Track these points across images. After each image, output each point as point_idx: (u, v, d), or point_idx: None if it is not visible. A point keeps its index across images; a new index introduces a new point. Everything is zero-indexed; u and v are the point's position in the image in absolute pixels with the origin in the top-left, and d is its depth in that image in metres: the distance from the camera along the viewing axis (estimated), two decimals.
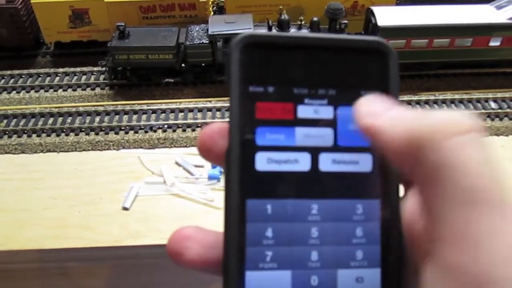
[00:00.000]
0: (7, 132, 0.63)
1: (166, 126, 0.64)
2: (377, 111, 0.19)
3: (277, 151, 0.20)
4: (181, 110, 0.66)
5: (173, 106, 0.67)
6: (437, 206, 0.16)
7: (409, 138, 0.17)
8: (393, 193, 0.21)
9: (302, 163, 0.20)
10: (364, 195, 0.21)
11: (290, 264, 0.20)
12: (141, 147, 0.62)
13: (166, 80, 0.71)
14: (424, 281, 0.16)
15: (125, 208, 0.54)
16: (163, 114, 0.66)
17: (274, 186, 0.20)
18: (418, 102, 0.68)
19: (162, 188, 0.57)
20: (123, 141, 0.62)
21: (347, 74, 0.21)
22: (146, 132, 0.63)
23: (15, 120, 0.65)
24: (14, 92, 0.71)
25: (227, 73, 0.20)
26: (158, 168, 0.59)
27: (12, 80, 0.72)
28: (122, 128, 0.64)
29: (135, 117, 0.66)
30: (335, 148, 0.21)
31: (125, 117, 0.65)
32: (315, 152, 0.20)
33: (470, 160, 0.16)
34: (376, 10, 0.69)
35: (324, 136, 0.21)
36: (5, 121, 0.65)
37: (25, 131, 0.63)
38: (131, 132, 0.63)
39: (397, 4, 0.75)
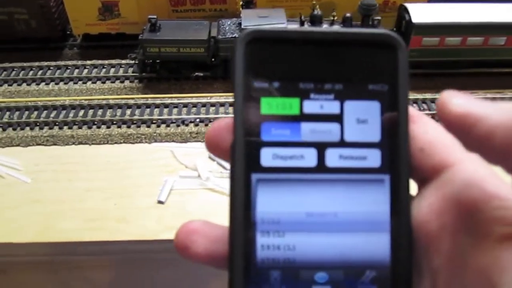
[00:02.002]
0: (38, 124, 0.63)
1: (198, 120, 0.63)
2: (470, 102, 0.18)
3: (282, 147, 0.20)
4: (212, 105, 0.66)
5: (204, 100, 0.66)
6: None
7: None
8: (403, 190, 0.20)
9: (308, 158, 0.20)
10: (372, 191, 0.20)
11: (296, 259, 0.20)
12: (173, 141, 0.62)
13: (196, 74, 0.70)
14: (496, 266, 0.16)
15: (160, 202, 0.54)
16: (194, 108, 0.66)
17: (280, 181, 0.20)
18: None
19: (196, 182, 0.56)
20: (155, 134, 0.62)
21: (354, 68, 0.21)
22: (178, 126, 0.63)
23: (45, 111, 0.65)
24: (43, 83, 0.70)
25: (232, 68, 0.20)
26: (192, 162, 0.59)
27: (40, 72, 0.72)
28: (154, 121, 0.63)
29: (166, 110, 0.65)
30: (342, 143, 0.20)
31: (156, 110, 0.65)
32: (321, 147, 0.20)
33: None
34: (410, 7, 0.68)
35: (331, 131, 0.20)
36: (35, 112, 0.65)
37: (56, 123, 0.63)
38: (163, 125, 0.63)
39: (429, 1, 0.74)
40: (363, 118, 0.21)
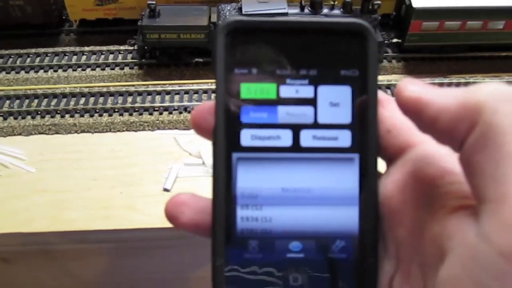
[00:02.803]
0: (39, 112, 0.63)
1: None
2: (421, 88, 0.20)
3: (260, 128, 0.22)
4: (214, 91, 0.66)
5: (205, 86, 0.66)
6: (491, 168, 0.17)
7: (464, 103, 0.18)
8: (371, 168, 0.22)
9: (284, 139, 0.22)
10: (343, 168, 0.22)
11: (273, 230, 0.22)
12: (176, 128, 0.62)
13: (196, 60, 0.70)
14: (469, 238, 0.18)
15: (166, 190, 0.55)
16: (196, 95, 0.66)
17: (258, 160, 0.22)
18: (449, 85, 0.68)
19: (201, 169, 0.57)
20: (157, 122, 0.62)
21: (327, 55, 0.22)
22: (180, 113, 0.63)
23: (46, 100, 0.65)
24: (42, 71, 0.70)
25: (213, 56, 0.22)
26: (195, 149, 0.59)
27: (38, 59, 0.71)
28: (156, 108, 0.63)
29: (168, 97, 0.65)
30: (316, 125, 0.22)
31: (158, 97, 0.65)
32: (296, 128, 0.22)
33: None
34: None
35: (305, 114, 0.22)
36: (36, 100, 0.65)
37: (58, 111, 0.63)
38: (165, 112, 0.63)
39: None
40: (335, 101, 0.22)
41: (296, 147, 0.22)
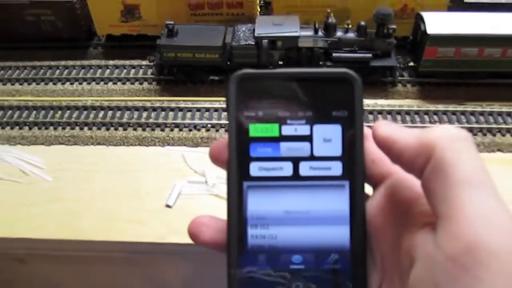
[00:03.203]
0: (61, 124, 0.67)
1: (209, 125, 0.66)
2: (392, 128, 0.25)
3: (266, 161, 0.26)
4: (225, 110, 0.68)
5: (217, 105, 0.69)
6: (443, 191, 0.21)
7: (421, 142, 0.23)
8: (359, 192, 0.26)
9: (286, 169, 0.26)
10: (336, 193, 0.26)
11: (278, 246, 0.26)
12: (185, 145, 0.65)
13: (211, 77, 0.72)
14: (425, 248, 0.22)
15: (168, 206, 0.57)
16: (207, 113, 0.68)
17: (265, 187, 0.26)
18: (463, 113, 0.67)
19: (203, 188, 0.59)
20: (168, 138, 0.65)
21: (321, 99, 0.26)
22: (190, 130, 0.66)
23: (68, 111, 0.69)
24: (68, 83, 0.74)
25: (227, 101, 0.26)
26: (201, 167, 0.61)
27: (66, 71, 0.76)
28: (168, 125, 0.66)
29: (180, 114, 0.68)
30: (312, 157, 0.26)
31: (171, 114, 0.68)
32: (296, 161, 0.26)
33: (467, 157, 0.22)
34: (426, 16, 0.67)
35: (303, 148, 0.26)
36: (59, 112, 0.69)
37: (78, 124, 0.67)
38: (176, 129, 0.66)
39: (449, 9, 0.73)
40: (328, 137, 0.27)
41: (296, 176, 0.26)
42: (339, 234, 0.26)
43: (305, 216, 0.26)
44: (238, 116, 0.26)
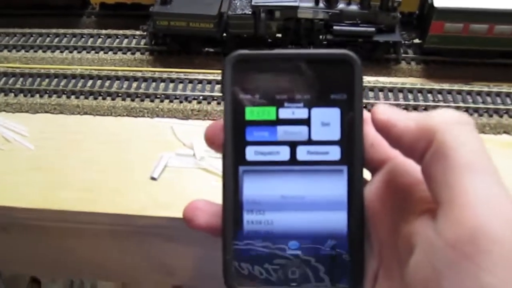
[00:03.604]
0: (47, 92, 0.65)
1: (201, 97, 0.63)
2: (391, 111, 0.24)
3: (262, 145, 0.26)
4: (218, 82, 0.65)
5: (211, 77, 0.66)
6: (444, 176, 0.21)
7: (421, 126, 0.22)
8: (357, 177, 0.26)
9: (282, 154, 0.26)
10: (333, 178, 0.26)
11: (274, 231, 0.26)
12: (174, 117, 0.62)
13: (206, 49, 0.69)
14: (425, 233, 0.22)
15: (153, 178, 0.55)
16: (200, 85, 0.65)
17: (261, 172, 0.26)
18: (469, 93, 0.63)
19: (191, 161, 0.56)
20: (157, 109, 0.62)
21: (319, 81, 0.26)
22: (180, 102, 0.63)
23: (56, 79, 0.66)
24: (58, 51, 0.71)
25: (222, 83, 0.26)
26: (190, 140, 0.59)
27: (56, 39, 0.73)
28: (158, 96, 0.63)
29: (171, 85, 0.65)
30: (310, 141, 0.26)
31: (162, 84, 0.65)
32: (293, 145, 0.26)
33: (469, 141, 0.21)
34: None
35: (301, 132, 0.26)
36: (47, 80, 0.66)
37: (65, 92, 0.64)
38: (166, 100, 0.63)
39: None
40: (326, 121, 0.26)
41: (293, 160, 0.26)
42: (336, 220, 0.26)
43: (302, 201, 0.26)
44: (233, 99, 0.26)
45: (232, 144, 0.26)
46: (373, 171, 0.27)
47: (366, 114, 0.26)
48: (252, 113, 0.26)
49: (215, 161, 0.56)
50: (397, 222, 0.24)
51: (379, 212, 0.26)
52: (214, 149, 0.27)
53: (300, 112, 0.26)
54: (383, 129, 0.24)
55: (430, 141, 0.22)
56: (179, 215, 0.49)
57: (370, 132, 0.26)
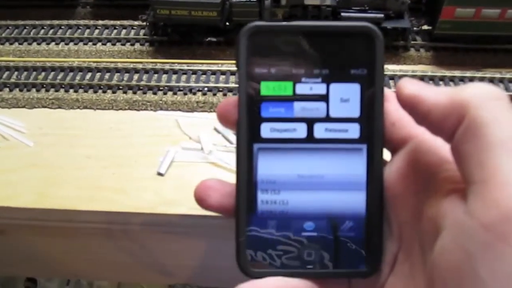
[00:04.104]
0: (44, 86, 0.62)
1: (206, 89, 0.60)
2: (419, 85, 0.23)
3: (278, 122, 0.25)
4: (223, 73, 0.62)
5: (215, 68, 0.63)
6: (477, 155, 0.20)
7: (453, 100, 0.21)
8: (377, 157, 0.25)
9: (299, 131, 0.25)
10: (352, 157, 0.25)
11: (289, 212, 0.25)
12: (179, 110, 0.60)
13: (209, 39, 0.67)
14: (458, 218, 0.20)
15: (160, 174, 0.52)
16: (204, 76, 0.62)
17: (276, 150, 0.25)
18: (481, 79, 0.62)
19: (199, 155, 0.54)
20: (161, 102, 0.60)
21: (338, 55, 0.25)
22: (185, 94, 0.60)
23: (53, 73, 0.63)
24: (53, 43, 0.68)
25: (236, 56, 0.24)
26: (196, 133, 0.56)
27: (51, 31, 0.70)
28: (161, 88, 0.61)
29: (174, 77, 0.62)
30: (328, 118, 0.25)
31: (164, 76, 0.62)
32: (310, 122, 0.25)
33: (504, 118, 0.20)
34: None
35: (318, 108, 0.25)
36: (43, 73, 0.63)
37: (63, 86, 0.61)
38: (170, 93, 0.60)
39: None
40: (345, 97, 0.25)
41: (310, 138, 0.25)
42: (354, 201, 0.25)
43: (319, 181, 0.25)
44: (248, 73, 0.24)
45: (247, 120, 0.25)
46: (393, 151, 0.26)
47: (387, 91, 0.25)
48: (267, 88, 0.25)
49: (224, 154, 0.53)
50: (420, 203, 0.23)
51: (400, 193, 0.25)
52: (228, 127, 0.26)
53: (318, 88, 0.25)
54: (411, 104, 0.23)
55: (462, 117, 0.21)
56: (191, 212, 0.48)
57: (391, 110, 0.25)
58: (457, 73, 0.62)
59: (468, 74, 0.62)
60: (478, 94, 0.21)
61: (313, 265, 0.25)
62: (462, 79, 0.61)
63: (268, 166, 0.25)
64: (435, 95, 0.22)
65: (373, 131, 0.25)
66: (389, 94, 0.25)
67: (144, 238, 0.54)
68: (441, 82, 0.61)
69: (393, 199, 0.25)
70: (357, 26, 0.25)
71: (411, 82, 0.23)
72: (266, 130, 0.25)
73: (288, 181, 0.25)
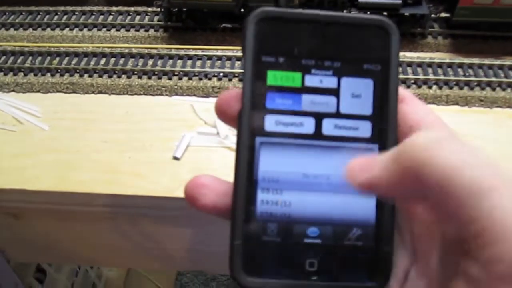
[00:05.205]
0: (59, 70, 0.61)
1: (221, 74, 0.60)
2: (365, 167, 0.20)
3: (284, 115, 0.23)
4: (238, 59, 0.62)
5: (230, 53, 0.63)
6: (455, 205, 0.17)
7: (402, 175, 0.19)
8: None
9: (306, 126, 0.23)
10: (363, 156, 0.22)
11: (292, 214, 0.22)
12: (194, 95, 0.59)
13: (223, 25, 0.66)
14: None
15: (175, 158, 0.52)
16: (219, 62, 0.62)
17: (281, 145, 0.23)
18: (500, 67, 0.61)
19: (215, 139, 0.54)
20: (176, 87, 0.59)
21: (351, 48, 0.23)
22: (200, 79, 0.60)
23: (67, 58, 0.63)
24: (67, 29, 0.68)
25: (243, 43, 0.23)
26: (211, 118, 0.56)
27: (65, 17, 0.70)
28: (176, 73, 0.60)
29: (189, 62, 0.62)
30: (338, 114, 0.23)
31: (179, 62, 0.62)
32: (319, 117, 0.23)
33: (452, 154, 0.18)
34: None
35: (328, 103, 0.23)
36: (57, 58, 0.63)
37: (77, 70, 0.61)
38: (185, 78, 0.60)
39: None
40: (357, 93, 0.23)
41: (318, 134, 0.23)
42: (363, 206, 0.23)
43: (325, 181, 0.22)
44: (255, 60, 0.22)
45: (250, 111, 0.22)
46: None
47: (405, 92, 0.24)
48: (275, 77, 0.23)
49: None
50: (434, 217, 0.21)
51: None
52: (225, 121, 0.24)
53: (329, 81, 0.23)
54: (370, 192, 0.21)
55: (419, 183, 0.18)
56: None
57: (409, 112, 0.23)
58: (476, 60, 0.61)
59: (486, 61, 0.61)
60: (413, 147, 0.19)
61: (315, 277, 0.22)
62: (481, 67, 0.61)
63: (271, 162, 0.22)
64: (386, 175, 0.19)
65: (386, 131, 0.23)
66: (407, 95, 0.24)
67: (162, 222, 0.54)
68: (459, 70, 0.61)
69: (407, 208, 0.22)
70: (373, 19, 0.23)
71: (355, 171, 0.21)
72: (271, 123, 0.23)
73: (291, 180, 0.22)
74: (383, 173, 0.19)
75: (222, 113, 0.24)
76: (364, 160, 0.21)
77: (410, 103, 0.23)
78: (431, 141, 0.18)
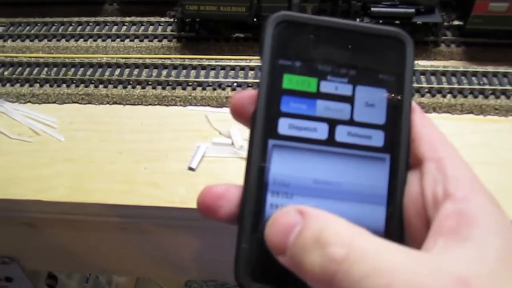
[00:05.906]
0: (74, 81, 0.62)
1: (235, 84, 0.60)
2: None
3: (298, 119, 0.23)
4: (252, 68, 0.62)
5: (243, 63, 0.63)
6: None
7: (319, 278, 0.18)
8: (400, 170, 0.23)
9: (320, 132, 0.23)
10: (374, 167, 0.23)
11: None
12: (208, 105, 0.59)
13: (237, 35, 0.66)
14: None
15: (191, 169, 0.52)
16: (232, 71, 0.62)
17: (293, 149, 0.23)
18: None
19: (230, 150, 0.54)
20: (190, 97, 0.60)
21: (368, 57, 0.23)
22: (214, 89, 0.60)
23: (82, 69, 0.64)
24: (82, 40, 0.69)
25: (261, 45, 0.23)
26: (226, 128, 0.56)
27: (79, 28, 0.70)
28: (190, 83, 0.61)
29: (203, 72, 0.62)
30: (351, 122, 0.23)
31: (193, 72, 0.62)
32: (332, 123, 0.23)
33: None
34: None
35: (342, 110, 0.23)
36: (72, 69, 0.64)
37: (92, 81, 0.62)
38: (199, 88, 0.60)
39: None
40: (371, 102, 0.23)
41: (331, 141, 0.23)
42: (373, 215, 0.22)
43: (336, 188, 0.22)
44: (272, 62, 0.23)
45: (264, 113, 0.22)
46: (411, 167, 0.24)
47: (414, 103, 0.24)
48: (290, 81, 0.23)
49: None
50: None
51: (414, 216, 0.22)
52: (240, 121, 0.24)
53: (344, 88, 0.23)
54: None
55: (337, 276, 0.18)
56: None
57: (414, 126, 0.23)
58: (490, 68, 0.61)
59: (501, 69, 0.61)
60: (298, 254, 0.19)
61: None
62: (496, 75, 0.60)
63: (282, 165, 0.22)
64: (310, 266, 0.19)
65: (398, 141, 0.23)
66: (415, 108, 0.24)
67: (180, 232, 0.54)
68: (473, 78, 0.60)
69: (409, 226, 0.22)
70: (389, 30, 0.24)
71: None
72: (284, 126, 0.23)
73: (302, 185, 0.22)
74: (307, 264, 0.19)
75: (236, 113, 0.24)
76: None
77: (418, 114, 0.24)
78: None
